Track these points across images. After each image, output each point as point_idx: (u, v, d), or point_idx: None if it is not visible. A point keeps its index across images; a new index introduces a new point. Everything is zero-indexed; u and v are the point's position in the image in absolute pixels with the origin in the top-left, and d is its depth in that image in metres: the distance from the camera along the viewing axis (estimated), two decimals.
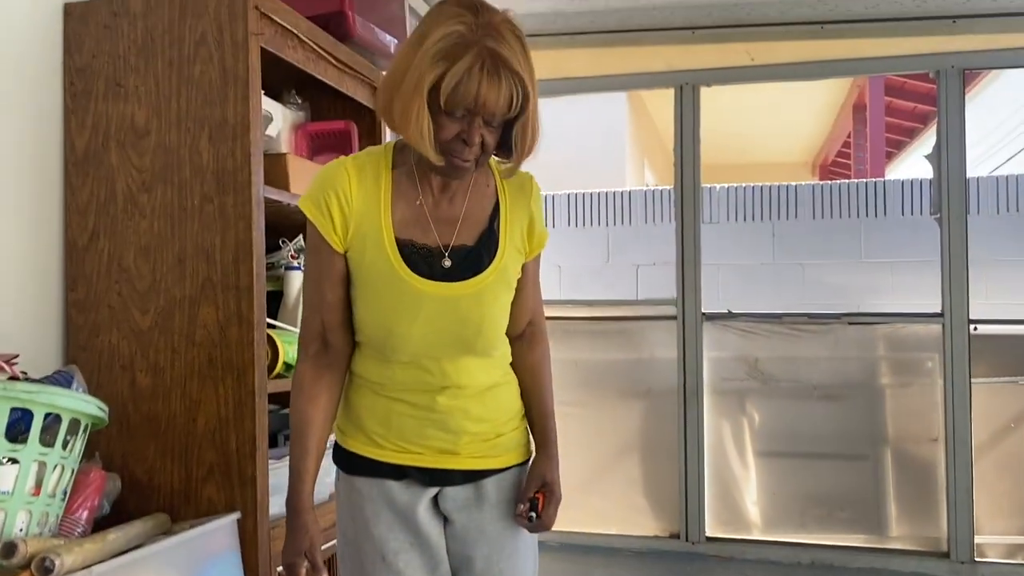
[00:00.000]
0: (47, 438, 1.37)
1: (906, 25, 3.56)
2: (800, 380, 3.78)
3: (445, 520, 1.51)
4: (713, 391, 3.84)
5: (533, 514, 1.45)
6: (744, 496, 3.85)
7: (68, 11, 1.86)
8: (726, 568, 3.63)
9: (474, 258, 1.40)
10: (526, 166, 1.42)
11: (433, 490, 1.48)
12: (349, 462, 1.48)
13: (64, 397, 1.35)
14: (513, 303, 1.48)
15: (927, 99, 6.92)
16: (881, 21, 3.57)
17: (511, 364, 1.55)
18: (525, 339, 1.56)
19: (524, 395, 1.56)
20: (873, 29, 3.59)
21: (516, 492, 1.52)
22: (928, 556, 3.56)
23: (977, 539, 3.51)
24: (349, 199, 1.37)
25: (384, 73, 1.37)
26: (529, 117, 1.30)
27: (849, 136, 7.33)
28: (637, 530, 3.88)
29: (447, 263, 1.39)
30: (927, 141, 7.72)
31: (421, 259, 1.38)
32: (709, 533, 3.80)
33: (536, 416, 1.56)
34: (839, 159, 8.63)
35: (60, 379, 1.42)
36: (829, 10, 3.51)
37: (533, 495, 1.47)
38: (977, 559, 3.49)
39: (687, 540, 3.79)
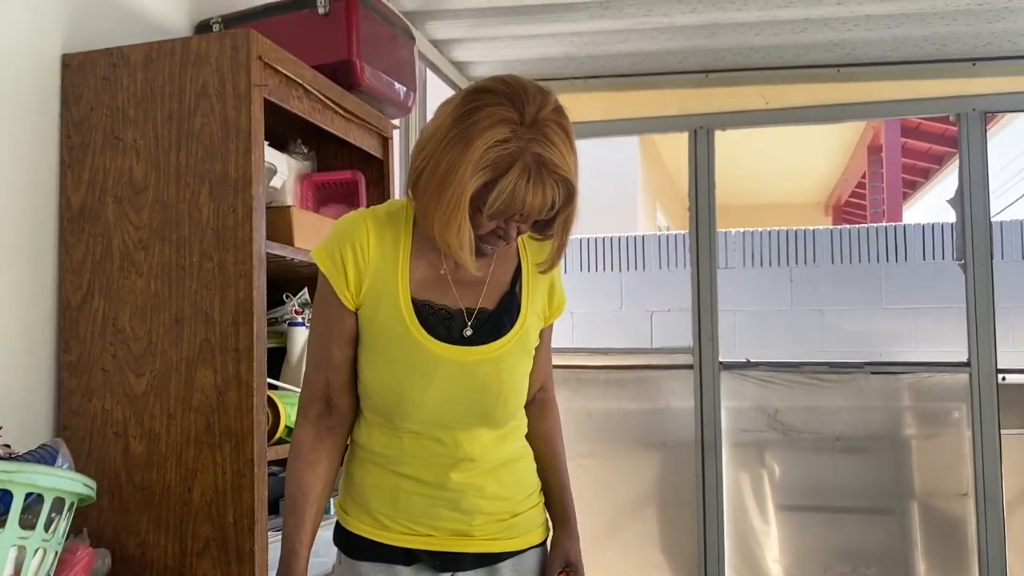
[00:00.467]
0: (28, 519, 1.27)
1: (925, 68, 3.49)
2: (822, 431, 3.65)
3: None
4: (731, 443, 3.71)
5: None
6: (765, 552, 3.71)
7: (66, 62, 1.80)
8: None
9: (494, 322, 1.33)
10: None
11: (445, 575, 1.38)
12: (352, 545, 1.38)
13: (46, 476, 1.25)
14: None
15: (942, 140, 6.85)
16: (899, 64, 3.50)
17: None
18: (536, 406, 1.47)
19: (538, 467, 1.47)
20: (891, 72, 3.52)
21: None
22: None
23: None
24: (366, 254, 1.29)
25: (418, 142, 1.27)
26: (572, 210, 1.25)
27: (864, 177, 7.25)
28: None
29: (468, 332, 1.31)
30: (942, 182, 7.64)
31: (439, 321, 1.30)
32: None
33: (554, 490, 1.47)
34: (853, 200, 8.55)
35: (43, 455, 1.33)
36: (846, 53, 3.45)
37: None
38: None
39: None
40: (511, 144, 1.16)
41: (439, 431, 1.33)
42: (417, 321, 1.29)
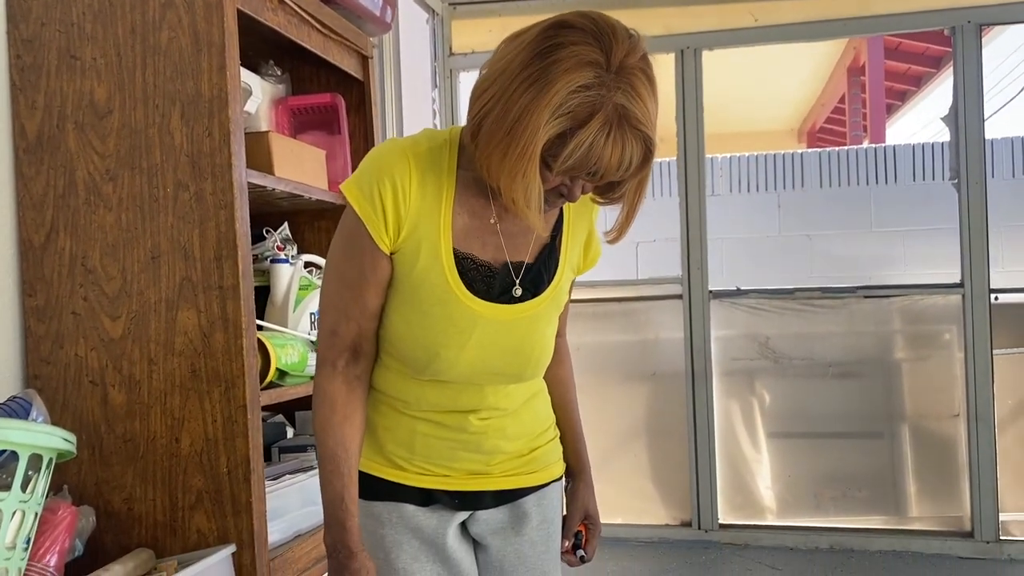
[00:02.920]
0: (3, 479, 1.14)
1: None
2: (813, 358, 3.61)
3: (476, 543, 1.34)
4: (722, 372, 3.66)
5: (582, 552, 1.30)
6: (757, 480, 3.70)
7: None
8: (741, 556, 3.48)
9: (534, 277, 1.20)
10: None
11: (463, 514, 1.29)
12: (365, 485, 1.27)
13: (19, 431, 1.12)
14: None
15: (922, 60, 6.75)
16: None
17: None
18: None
19: (555, 412, 1.40)
20: None
21: (556, 510, 1.36)
22: (951, 536, 3.43)
23: (1002, 516, 3.37)
24: (407, 196, 1.14)
25: (480, 82, 1.10)
26: (647, 173, 1.10)
27: (842, 100, 7.14)
28: (647, 519, 3.71)
29: (518, 291, 1.19)
30: (921, 103, 7.56)
31: (480, 277, 1.17)
32: (722, 520, 3.65)
33: (570, 438, 1.41)
34: (828, 125, 8.45)
35: (15, 409, 1.20)
36: None
37: (577, 529, 1.31)
38: (1003, 537, 3.35)
39: (699, 528, 3.63)
40: (594, 91, 1.01)
41: (466, 384, 1.23)
42: (458, 275, 1.16)
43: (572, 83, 1.01)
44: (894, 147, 4.74)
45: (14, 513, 1.15)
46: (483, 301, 1.17)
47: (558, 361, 1.40)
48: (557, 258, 1.23)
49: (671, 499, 3.71)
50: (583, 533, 1.36)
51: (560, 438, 1.40)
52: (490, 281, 1.18)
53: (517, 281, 1.19)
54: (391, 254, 1.17)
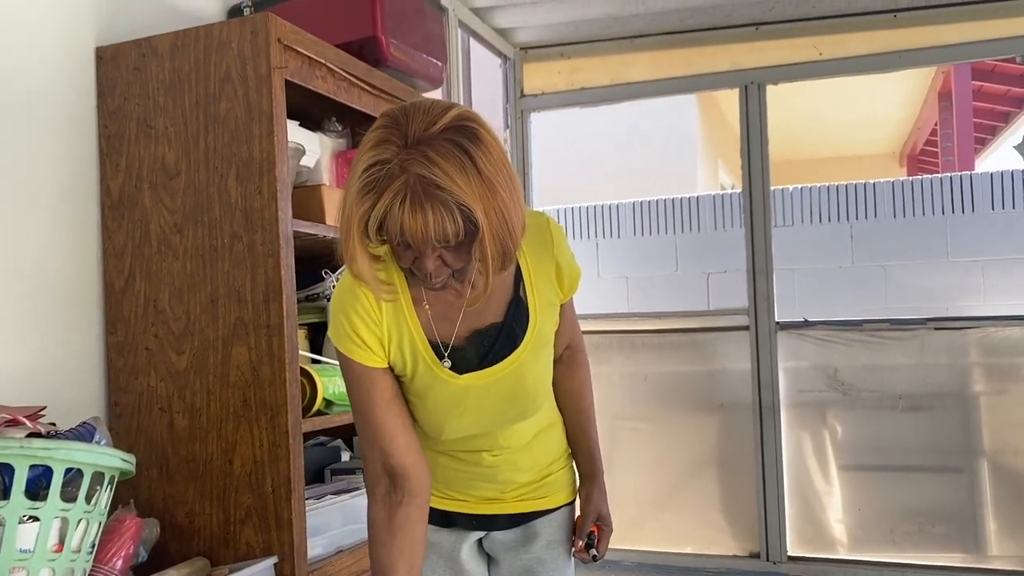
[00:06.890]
0: (70, 492, 1.35)
1: (988, 8, 3.32)
2: (883, 390, 3.57)
3: (489, 559, 1.50)
4: (790, 404, 3.66)
5: (595, 551, 1.42)
6: (828, 513, 3.66)
7: (100, 55, 1.87)
8: None
9: (507, 334, 1.33)
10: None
11: (478, 533, 1.47)
12: None
13: (83, 452, 1.33)
14: None
15: (1020, 81, 6.50)
16: (959, 5, 3.34)
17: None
18: (563, 363, 1.51)
19: (566, 422, 1.51)
20: (951, 14, 3.36)
21: (564, 532, 1.49)
22: None
23: None
24: (375, 317, 1.29)
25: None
26: (484, 236, 1.11)
27: (937, 125, 6.94)
28: (715, 549, 3.73)
29: (447, 363, 1.31)
30: (1021, 127, 7.25)
31: (455, 355, 1.32)
32: (791, 552, 3.63)
33: (583, 446, 1.51)
34: (928, 148, 8.19)
35: (82, 432, 1.41)
36: None
37: (590, 530, 1.44)
38: None
39: (768, 559, 3.63)
40: (388, 165, 1.08)
41: (479, 433, 1.38)
42: (439, 362, 1.31)
43: (368, 160, 1.10)
44: (971, 175, 4.61)
45: (79, 521, 1.36)
46: (466, 375, 1.31)
47: (570, 375, 1.50)
48: (526, 307, 1.34)
49: (740, 530, 3.72)
50: (596, 534, 1.45)
51: (575, 445, 1.51)
52: (463, 355, 1.32)
53: (446, 353, 1.30)
54: (391, 366, 1.32)
